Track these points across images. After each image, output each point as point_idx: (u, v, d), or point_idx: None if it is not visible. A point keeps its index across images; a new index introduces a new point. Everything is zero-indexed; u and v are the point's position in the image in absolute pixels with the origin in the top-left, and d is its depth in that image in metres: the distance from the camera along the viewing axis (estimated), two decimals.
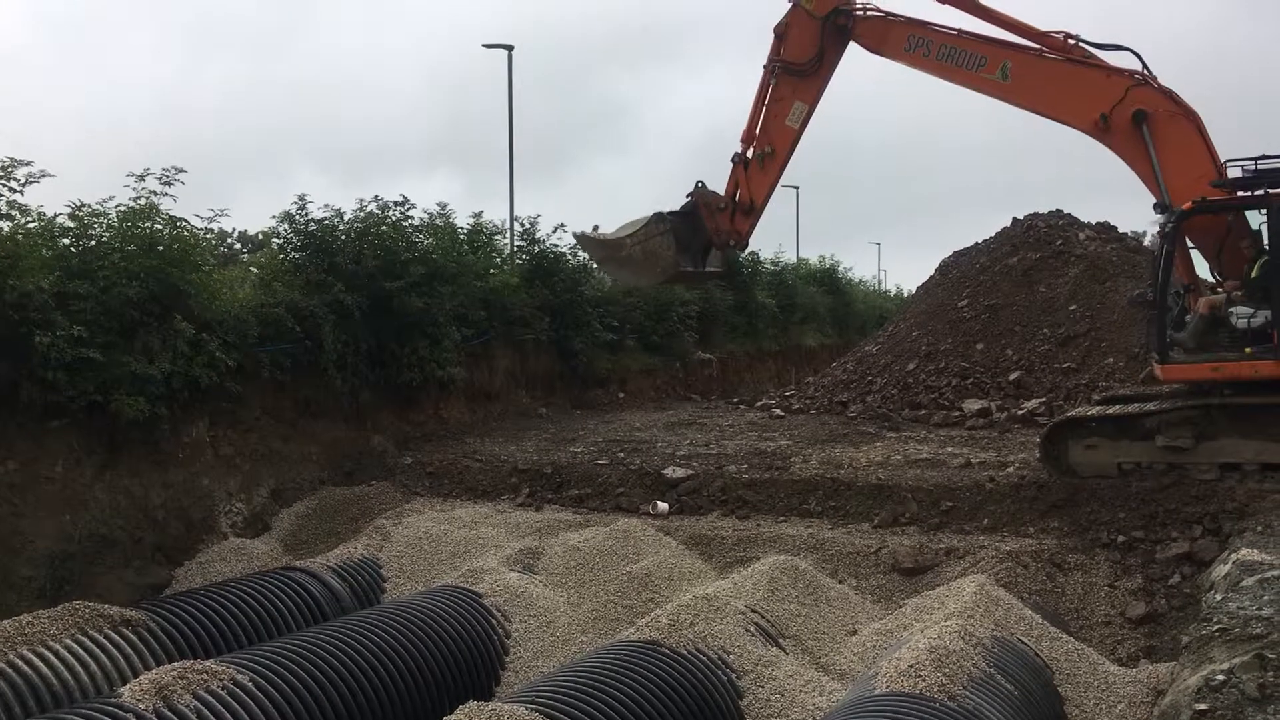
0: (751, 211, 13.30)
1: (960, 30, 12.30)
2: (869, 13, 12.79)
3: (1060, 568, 10.53)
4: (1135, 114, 11.44)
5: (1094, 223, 22.87)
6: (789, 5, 13.03)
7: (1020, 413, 17.37)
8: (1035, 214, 23.54)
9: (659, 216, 13.44)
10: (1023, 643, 8.47)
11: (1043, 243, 22.02)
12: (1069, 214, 23.33)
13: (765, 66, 13.15)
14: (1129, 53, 11.89)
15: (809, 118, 13.08)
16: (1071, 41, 11.95)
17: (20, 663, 7.29)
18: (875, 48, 12.72)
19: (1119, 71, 11.76)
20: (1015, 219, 23.72)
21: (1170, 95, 11.54)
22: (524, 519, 12.83)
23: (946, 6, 12.57)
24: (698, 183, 13.64)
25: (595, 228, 14.66)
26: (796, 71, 12.89)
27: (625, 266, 14.11)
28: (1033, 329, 19.85)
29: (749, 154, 13.22)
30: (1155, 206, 11.43)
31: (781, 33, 12.95)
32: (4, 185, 11.43)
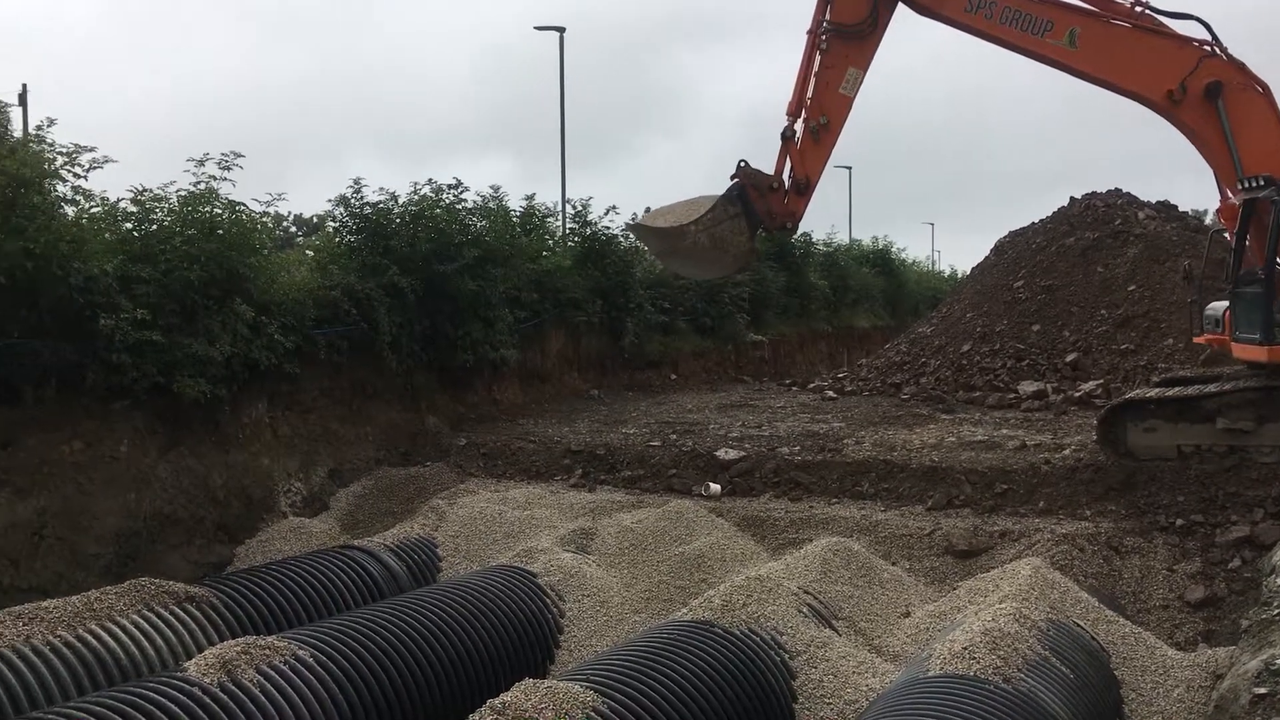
0: (806, 189, 12.32)
1: None
2: None
3: (1117, 551, 10.43)
4: (1209, 86, 11.07)
5: (1154, 201, 22.47)
6: None
7: (1077, 395, 17.17)
8: (1093, 193, 23.19)
9: (728, 197, 12.11)
10: (1079, 626, 8.40)
11: (1101, 222, 21.69)
12: (1128, 193, 22.94)
13: (810, 32, 12.14)
14: (1197, 21, 11.49)
15: (861, 84, 12.24)
16: (1140, 9, 11.46)
17: (89, 637, 7.49)
18: (933, 7, 11.94)
19: (1190, 41, 11.40)
20: (1073, 198, 23.38)
21: (1241, 67, 11.25)
22: (577, 500, 12.93)
23: None
24: (740, 162, 12.42)
25: (647, 209, 13.89)
26: (849, 34, 11.96)
27: (690, 258, 12.57)
28: (1090, 310, 19.58)
29: (797, 127, 12.23)
30: (1244, 181, 10.91)
31: None
32: (69, 171, 11.64)
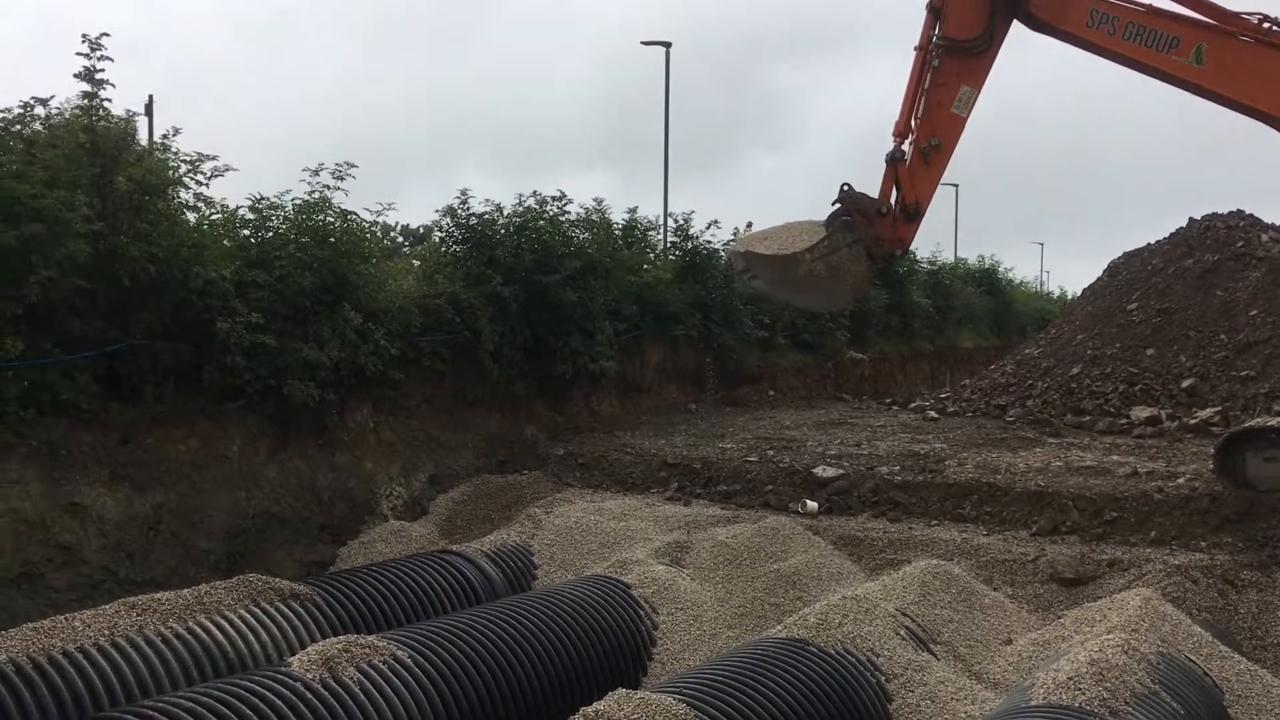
0: (916, 215, 11.57)
1: (1150, 5, 10.99)
2: None
3: (1233, 585, 10.02)
4: None
5: (1278, 224, 21.62)
6: None
7: (1193, 422, 16.55)
8: (1214, 214, 22.39)
9: (846, 223, 11.32)
10: (1190, 661, 8.10)
11: (1221, 244, 20.93)
12: (1251, 214, 22.11)
13: (919, 48, 11.44)
14: None
15: (974, 103, 11.56)
16: (1267, 24, 10.77)
17: (199, 629, 7.72)
18: (1053, 21, 11.28)
19: None
20: (1192, 219, 22.62)
21: None
22: (672, 513, 12.91)
23: None
24: (844, 185, 11.71)
25: (749, 225, 13.40)
26: (964, 50, 11.27)
27: (804, 287, 11.64)
28: (1209, 334, 18.89)
29: (905, 148, 11.54)
30: None
31: (939, 6, 11.33)
32: (191, 179, 12.08)
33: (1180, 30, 10.83)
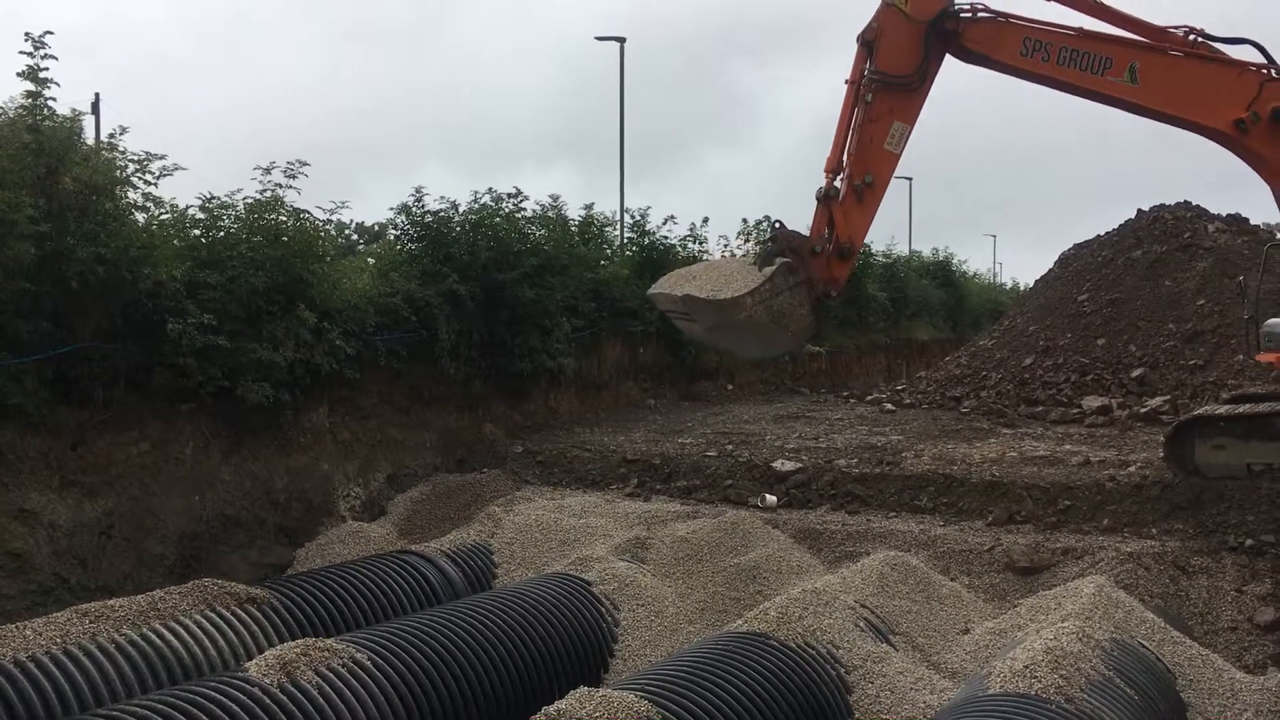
0: (850, 254, 10.99)
1: (1081, 29, 10.93)
2: (979, 14, 10.87)
3: (1184, 571, 10.19)
4: (1275, 111, 10.69)
5: (1224, 215, 22.00)
6: (878, 6, 10.89)
7: (1143, 411, 16.84)
8: (1162, 205, 22.79)
9: (788, 265, 10.57)
10: (1144, 646, 8.23)
11: (1169, 235, 21.30)
12: (1198, 205, 22.50)
13: (850, 82, 10.87)
14: (1252, 45, 10.91)
15: (908, 140, 11.03)
16: (1193, 37, 10.88)
17: (153, 636, 7.61)
18: (987, 53, 10.97)
19: (1248, 66, 10.94)
20: (1140, 210, 22.99)
21: None
22: (632, 509, 12.91)
23: (1052, 4, 11.04)
24: (774, 223, 11.18)
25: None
26: (897, 86, 10.79)
27: (745, 333, 10.85)
28: (1157, 324, 19.22)
29: (839, 184, 10.89)
30: None
31: (871, 39, 10.74)
32: (140, 179, 11.92)
33: (1112, 51, 10.79)
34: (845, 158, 10.87)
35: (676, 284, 11.07)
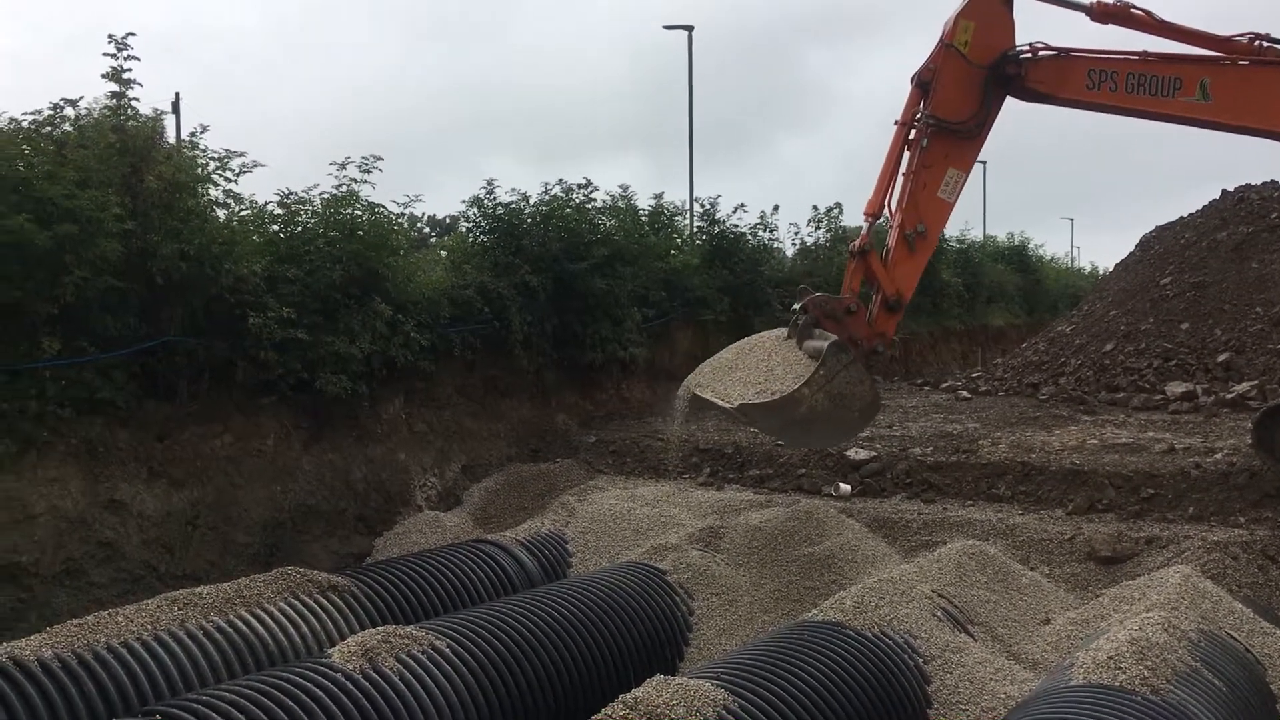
0: (899, 307, 10.30)
1: (1144, 52, 10.23)
2: (1041, 54, 10.22)
3: (1274, 560, 9.91)
4: None
5: None
6: (936, 45, 10.21)
7: (1229, 396, 16.38)
8: (1247, 185, 22.15)
9: (838, 344, 9.69)
10: (1232, 637, 8.02)
11: (1256, 216, 20.68)
12: None
13: (901, 123, 10.22)
14: None
15: (962, 189, 10.43)
16: (1260, 43, 10.23)
17: (239, 623, 7.79)
18: (1053, 92, 10.39)
19: None
20: (1225, 191, 22.37)
21: None
22: (705, 498, 12.91)
23: (1109, 27, 10.38)
24: (801, 287, 10.59)
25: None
26: (956, 133, 10.19)
27: (811, 426, 10.01)
28: (1244, 308, 18.67)
29: (877, 233, 10.32)
30: None
31: (927, 81, 10.14)
32: (220, 175, 12.17)
33: (1181, 70, 10.20)
34: (888, 202, 10.30)
35: (720, 386, 10.28)
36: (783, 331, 10.45)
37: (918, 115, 10.18)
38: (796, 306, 10.21)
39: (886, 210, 10.26)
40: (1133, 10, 10.25)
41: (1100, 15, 10.27)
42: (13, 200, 9.82)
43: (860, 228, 10.47)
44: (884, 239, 10.50)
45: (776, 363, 10.03)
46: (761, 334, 10.64)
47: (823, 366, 9.50)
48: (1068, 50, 10.25)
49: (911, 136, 10.19)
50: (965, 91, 10.18)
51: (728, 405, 9.85)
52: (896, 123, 10.29)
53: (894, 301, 10.28)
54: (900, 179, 10.22)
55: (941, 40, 10.11)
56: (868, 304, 10.29)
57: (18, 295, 9.85)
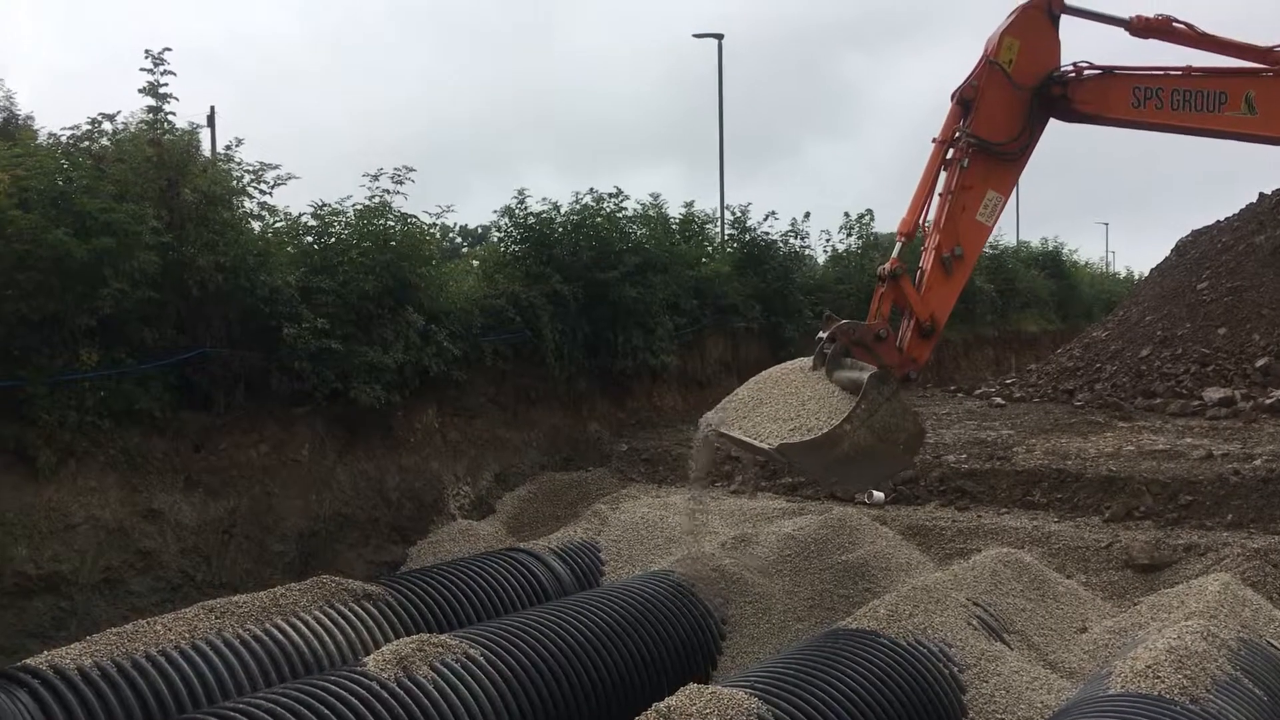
0: (933, 333, 9.77)
1: (1189, 67, 9.97)
2: (1084, 73, 9.89)
3: None
4: None
5: None
6: (979, 62, 9.80)
7: (1268, 402, 16.16)
8: None
9: (878, 377, 9.05)
10: (1272, 645, 7.92)
11: None
12: None
13: (939, 141, 9.78)
14: None
15: (1001, 212, 10.01)
16: None
17: (275, 631, 7.86)
18: (1098, 112, 10.06)
19: None
20: (1262, 194, 22.10)
21: None
22: (737, 506, 12.89)
23: (1150, 41, 10.14)
24: (827, 315, 9.86)
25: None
26: (998, 154, 9.78)
27: (854, 463, 9.44)
28: None
29: (905, 255, 9.80)
30: None
31: (969, 99, 9.72)
32: (255, 188, 12.31)
33: (1225, 84, 9.96)
34: (922, 222, 9.89)
35: (749, 424, 9.66)
36: (807, 362, 9.84)
37: (956, 134, 9.77)
38: (823, 335, 9.60)
39: (921, 230, 9.87)
40: (1174, 24, 10.02)
41: (1141, 30, 10.03)
42: (52, 214, 9.97)
43: (891, 234, 10.28)
44: (915, 260, 10.16)
45: (808, 396, 9.46)
46: (783, 365, 10.23)
47: (864, 400, 8.92)
48: (1111, 68, 9.94)
49: (950, 155, 9.83)
50: (1009, 111, 9.79)
51: (766, 446, 9.28)
52: (934, 140, 9.88)
53: (929, 327, 9.76)
54: (937, 198, 9.82)
55: (985, 56, 9.71)
56: (895, 328, 9.83)
57: (57, 308, 9.98)
